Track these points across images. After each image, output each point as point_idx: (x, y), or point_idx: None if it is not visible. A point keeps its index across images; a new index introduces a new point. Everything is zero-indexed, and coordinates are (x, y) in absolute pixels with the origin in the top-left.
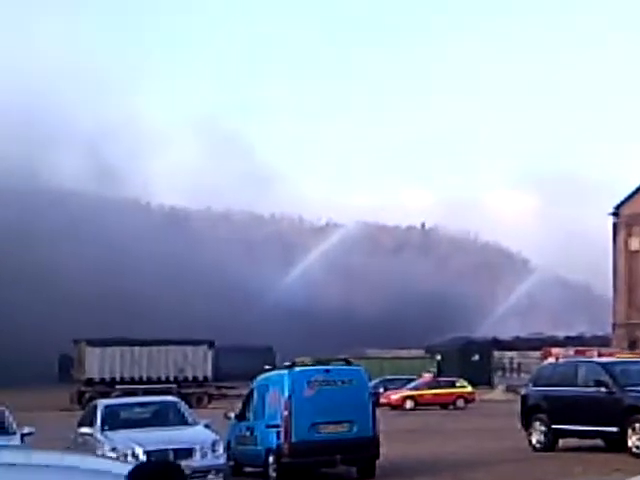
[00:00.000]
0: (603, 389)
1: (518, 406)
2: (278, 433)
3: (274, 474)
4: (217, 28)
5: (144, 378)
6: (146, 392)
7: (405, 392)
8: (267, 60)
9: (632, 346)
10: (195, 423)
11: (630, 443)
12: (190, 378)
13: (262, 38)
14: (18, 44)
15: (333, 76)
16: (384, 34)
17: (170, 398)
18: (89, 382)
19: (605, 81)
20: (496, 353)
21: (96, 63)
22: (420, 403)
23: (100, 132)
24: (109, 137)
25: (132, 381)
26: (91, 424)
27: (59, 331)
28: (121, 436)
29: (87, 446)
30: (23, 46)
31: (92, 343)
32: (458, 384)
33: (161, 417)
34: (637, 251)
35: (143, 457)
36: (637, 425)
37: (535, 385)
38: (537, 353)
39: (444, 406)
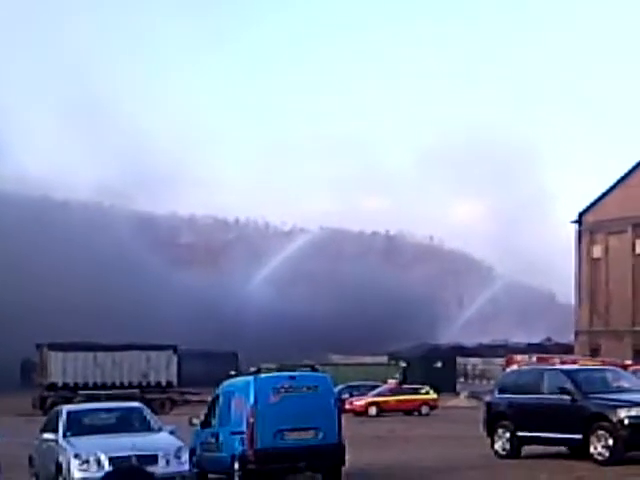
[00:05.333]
0: (567, 396)
1: (482, 413)
2: (243, 440)
3: None
4: None
5: (107, 383)
6: (109, 397)
7: (369, 399)
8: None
9: (594, 353)
10: (159, 429)
11: (593, 450)
12: (153, 383)
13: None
14: None
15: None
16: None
17: (135, 404)
18: (51, 387)
19: (568, 83)
20: (459, 360)
21: None
22: (384, 410)
23: None
24: None
25: (95, 386)
26: (54, 430)
27: (21, 335)
28: (85, 442)
29: (50, 452)
30: None
31: (55, 347)
32: (422, 391)
33: (125, 423)
34: (600, 259)
35: (107, 463)
36: (600, 432)
37: (499, 392)
38: (500, 360)
39: (408, 413)
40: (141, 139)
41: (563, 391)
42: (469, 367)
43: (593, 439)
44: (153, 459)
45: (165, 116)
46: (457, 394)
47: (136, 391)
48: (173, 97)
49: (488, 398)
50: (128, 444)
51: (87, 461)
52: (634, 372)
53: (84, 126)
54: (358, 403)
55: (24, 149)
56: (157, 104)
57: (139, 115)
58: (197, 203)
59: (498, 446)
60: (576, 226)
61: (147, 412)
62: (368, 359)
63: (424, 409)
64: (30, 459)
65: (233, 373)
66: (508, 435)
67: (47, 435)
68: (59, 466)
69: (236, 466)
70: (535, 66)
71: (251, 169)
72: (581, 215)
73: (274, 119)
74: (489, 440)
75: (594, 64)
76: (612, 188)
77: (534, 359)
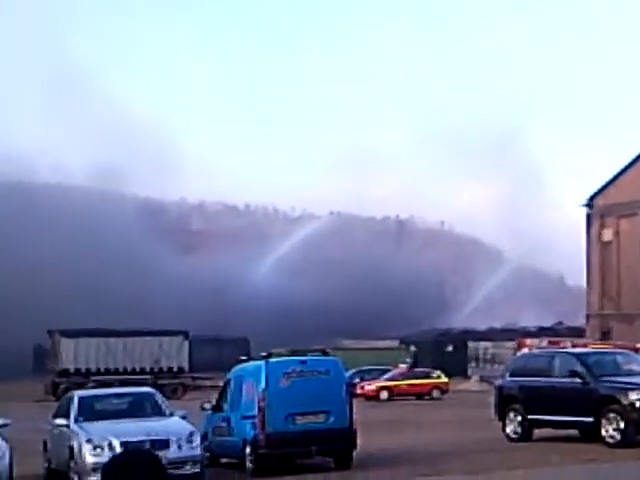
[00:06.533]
0: (577, 379)
1: (493, 396)
2: (254, 424)
3: (250, 465)
4: None
5: (119, 369)
6: (121, 383)
7: (380, 383)
8: None
9: (605, 336)
10: (171, 414)
11: (604, 433)
12: (165, 369)
13: None
14: None
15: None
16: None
17: (146, 389)
18: (64, 373)
19: (576, 71)
20: (470, 344)
21: None
22: (395, 394)
23: None
24: None
25: (107, 372)
26: (66, 415)
27: (34, 322)
28: (97, 427)
29: (63, 437)
30: None
31: (66, 334)
32: (433, 375)
33: (137, 408)
34: (610, 242)
35: (119, 448)
36: (611, 415)
37: (510, 375)
38: (511, 344)
39: (419, 397)
40: (134, 122)
41: (574, 374)
42: (480, 351)
43: (604, 422)
44: (165, 444)
45: (160, 100)
46: (468, 378)
47: (148, 377)
48: (170, 81)
49: (499, 382)
50: (140, 429)
51: (99, 446)
52: None
53: (70, 109)
54: (369, 387)
55: (9, 130)
56: (150, 86)
57: (129, 96)
58: (206, 189)
59: (509, 429)
60: (586, 209)
61: (159, 397)
62: (379, 344)
63: (435, 393)
64: (44, 444)
65: (244, 358)
66: (519, 418)
67: (59, 420)
68: (72, 451)
69: (247, 450)
70: (538, 43)
71: (256, 155)
72: (591, 199)
73: (277, 104)
74: (500, 424)
75: (597, 43)
76: (622, 171)
77: (545, 342)
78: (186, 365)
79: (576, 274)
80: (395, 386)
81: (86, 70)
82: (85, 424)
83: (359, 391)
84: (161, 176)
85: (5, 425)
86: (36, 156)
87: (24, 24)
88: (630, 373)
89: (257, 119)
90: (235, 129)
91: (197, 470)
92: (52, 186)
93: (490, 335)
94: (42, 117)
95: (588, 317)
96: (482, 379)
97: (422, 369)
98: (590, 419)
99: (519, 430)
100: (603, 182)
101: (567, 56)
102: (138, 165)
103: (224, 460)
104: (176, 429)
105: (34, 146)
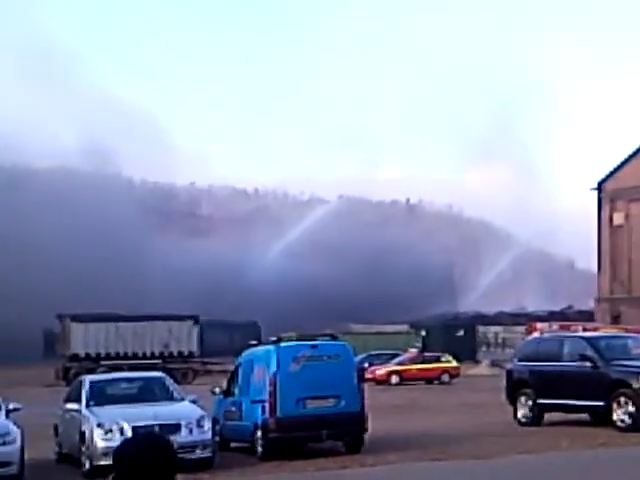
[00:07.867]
0: (588, 364)
1: (503, 381)
2: (264, 408)
3: (261, 449)
4: None
5: (129, 354)
6: (131, 368)
7: (390, 367)
8: None
9: (615, 320)
10: (181, 399)
11: (615, 417)
12: (175, 354)
13: None
14: None
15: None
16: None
17: (156, 373)
18: (74, 358)
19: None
20: (480, 328)
21: None
22: (405, 378)
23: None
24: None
25: (117, 357)
26: (77, 400)
27: (43, 306)
28: (107, 412)
29: (74, 422)
30: None
31: (77, 319)
32: (443, 359)
33: (147, 393)
34: (621, 226)
35: (129, 432)
36: (622, 399)
37: (520, 360)
38: (521, 328)
39: (429, 381)
40: (135, 107)
41: (584, 358)
42: (490, 335)
43: (615, 406)
44: (176, 428)
45: (163, 84)
46: (478, 362)
47: (158, 361)
48: (175, 64)
49: (509, 366)
50: (151, 413)
51: (110, 430)
52: None
53: (65, 93)
54: (379, 372)
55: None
56: (153, 71)
57: (128, 80)
58: (215, 174)
59: (520, 414)
60: (596, 193)
61: (169, 381)
62: (388, 328)
63: (445, 377)
64: (55, 429)
65: (254, 343)
66: (530, 403)
67: (70, 405)
68: (82, 435)
69: (258, 434)
70: (544, 22)
71: (265, 139)
72: (601, 183)
73: (285, 88)
74: (511, 408)
75: (604, 19)
76: (632, 155)
77: (555, 327)
78: (196, 350)
79: (586, 258)
80: (405, 370)
81: (78, 53)
82: (96, 408)
83: (369, 375)
84: (169, 161)
85: (16, 410)
86: (31, 140)
87: (10, 5)
88: None
89: (266, 103)
90: (244, 114)
91: (208, 454)
92: (55, 170)
93: (500, 319)
94: (35, 101)
95: (598, 301)
96: (492, 363)
97: (432, 353)
98: (601, 403)
99: (529, 414)
100: (613, 165)
101: (574, 36)
102: (143, 150)
103: (234, 444)
104: (186, 413)
105: (28, 130)
